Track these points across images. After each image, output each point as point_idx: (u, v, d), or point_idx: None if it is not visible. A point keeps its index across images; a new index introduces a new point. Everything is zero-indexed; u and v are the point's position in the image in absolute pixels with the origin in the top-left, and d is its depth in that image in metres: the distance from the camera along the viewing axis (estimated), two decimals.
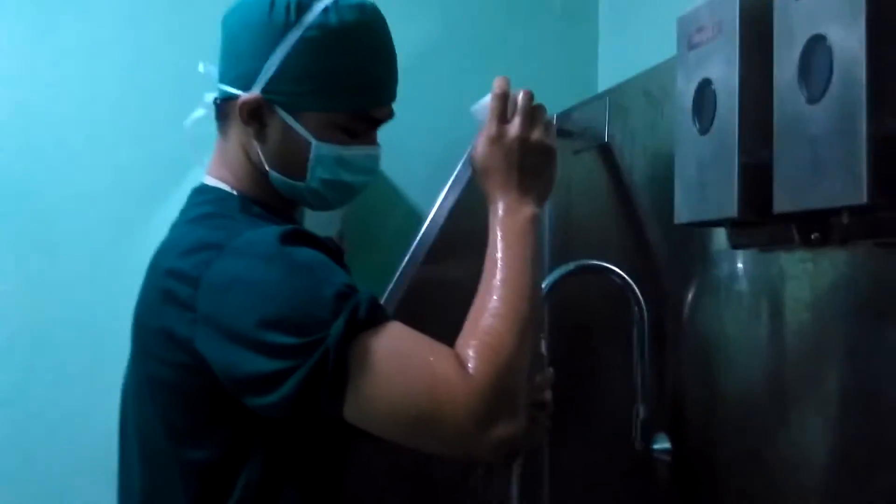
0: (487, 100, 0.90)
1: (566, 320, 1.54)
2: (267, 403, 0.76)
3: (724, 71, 0.91)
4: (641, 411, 1.21)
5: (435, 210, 1.55)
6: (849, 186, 0.74)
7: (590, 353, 1.47)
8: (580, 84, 1.72)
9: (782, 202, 0.83)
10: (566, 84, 1.71)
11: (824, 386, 0.94)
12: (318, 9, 0.86)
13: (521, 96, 0.89)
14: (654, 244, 1.28)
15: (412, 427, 0.76)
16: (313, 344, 0.74)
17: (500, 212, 0.86)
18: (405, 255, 1.53)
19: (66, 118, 1.50)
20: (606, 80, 1.69)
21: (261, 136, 0.89)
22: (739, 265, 1.07)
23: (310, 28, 0.86)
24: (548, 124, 0.90)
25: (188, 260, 0.82)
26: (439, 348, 0.77)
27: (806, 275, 0.96)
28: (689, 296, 1.18)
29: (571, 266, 1.24)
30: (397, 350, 0.77)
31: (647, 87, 1.29)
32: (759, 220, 0.91)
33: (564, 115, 1.57)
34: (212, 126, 0.96)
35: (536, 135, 0.88)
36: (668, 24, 1.03)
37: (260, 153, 0.90)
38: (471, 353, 0.76)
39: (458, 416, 0.74)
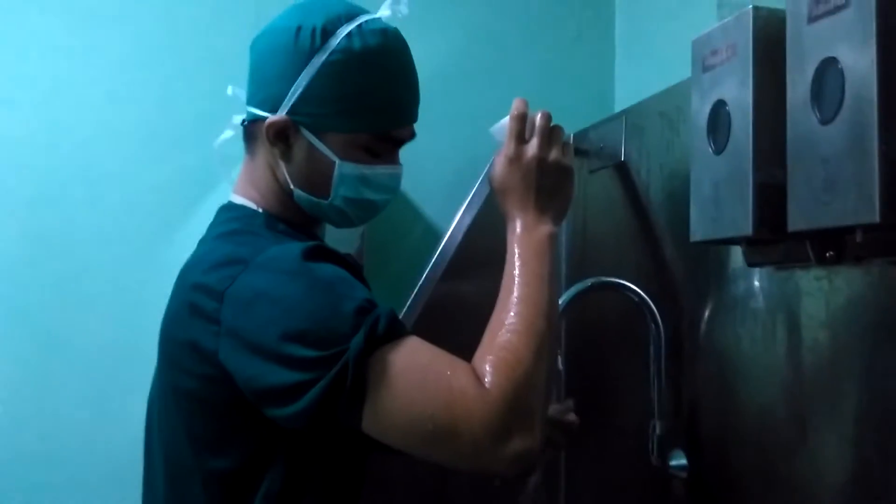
0: (506, 121, 0.93)
1: (583, 337, 1.55)
2: (287, 414, 0.78)
3: (738, 92, 0.93)
4: (658, 427, 1.22)
5: (453, 227, 1.57)
6: (861, 205, 0.75)
7: (606, 369, 1.47)
8: (598, 104, 1.74)
9: (796, 221, 0.84)
10: (584, 104, 1.73)
11: (840, 403, 0.94)
12: (342, 34, 0.89)
13: (538, 117, 0.92)
14: (671, 262, 1.29)
15: (429, 440, 0.77)
16: (333, 357, 0.75)
17: (518, 230, 0.89)
18: (423, 272, 1.56)
19: (93, 136, 1.54)
20: (623, 100, 1.71)
21: (286, 155, 0.92)
22: (755, 283, 1.08)
23: (334, 52, 0.89)
24: (565, 145, 0.93)
25: (214, 275, 0.84)
26: (457, 363, 0.79)
27: (821, 292, 0.97)
28: (706, 313, 1.19)
29: (588, 283, 1.26)
30: (415, 364, 0.78)
31: (663, 108, 1.31)
32: (774, 239, 0.93)
33: (581, 135, 1.59)
34: (239, 146, 0.99)
35: (554, 155, 0.91)
36: (683, 45, 1.05)
37: (285, 172, 0.93)
38: (488, 367, 0.77)
39: (475, 431, 0.75)
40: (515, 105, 0.93)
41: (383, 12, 0.93)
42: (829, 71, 0.80)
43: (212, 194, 1.57)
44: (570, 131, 1.64)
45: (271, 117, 0.90)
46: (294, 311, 0.79)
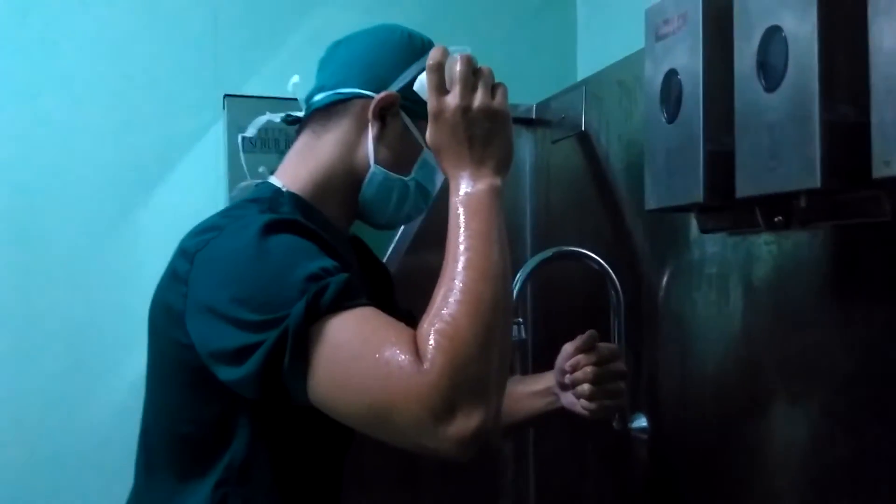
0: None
1: (547, 304, 1.57)
2: (235, 378, 0.78)
3: (688, 61, 0.94)
4: None
5: None
6: (804, 171, 0.78)
7: (570, 335, 1.50)
8: (561, 74, 1.74)
9: (744, 187, 0.86)
10: (547, 74, 1.73)
11: (790, 362, 0.98)
12: None
13: (457, 63, 0.84)
14: (630, 229, 1.31)
15: (369, 417, 0.74)
16: (275, 321, 0.75)
17: (457, 189, 0.83)
18: (390, 245, 1.57)
19: (54, 116, 1.52)
20: (586, 70, 1.71)
21: (380, 132, 0.96)
22: (709, 249, 1.11)
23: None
24: (495, 87, 0.86)
25: (194, 239, 0.87)
26: (402, 336, 0.74)
27: (771, 256, 1.00)
28: (664, 279, 1.22)
29: (549, 252, 1.28)
30: (357, 335, 0.75)
31: (622, 77, 1.32)
32: (724, 205, 0.95)
33: (543, 105, 1.60)
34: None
35: (480, 101, 0.84)
36: (643, 14, 1.05)
37: (370, 148, 0.96)
38: (429, 341, 0.72)
39: (413, 409, 0.71)
40: (430, 55, 0.85)
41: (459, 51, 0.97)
42: (773, 39, 0.82)
43: (171, 174, 1.57)
44: (533, 101, 1.65)
45: (381, 94, 0.95)
46: (245, 276, 0.80)
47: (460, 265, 0.77)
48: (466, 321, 0.73)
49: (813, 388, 0.94)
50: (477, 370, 0.72)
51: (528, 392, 1.15)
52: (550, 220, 1.60)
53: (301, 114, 1.02)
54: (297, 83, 1.01)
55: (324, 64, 1.02)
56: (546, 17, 1.78)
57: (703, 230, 1.06)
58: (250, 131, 1.05)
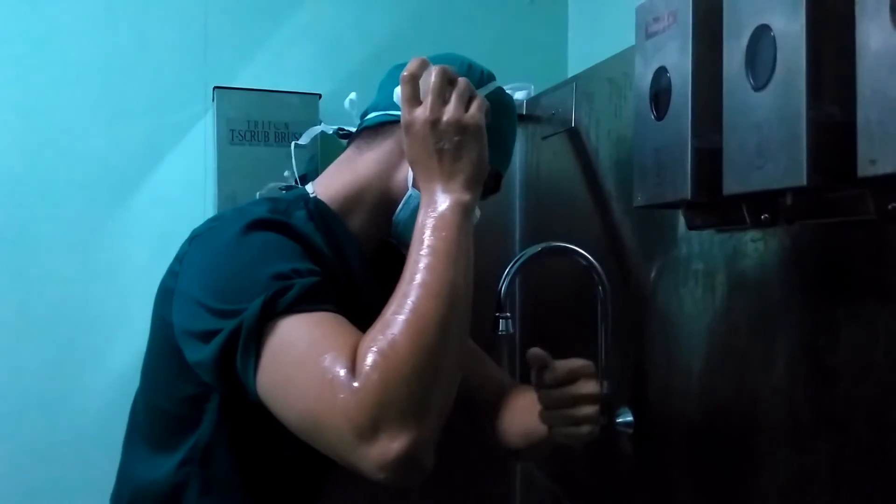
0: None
1: (536, 299, 1.58)
2: (196, 360, 0.80)
3: (678, 59, 0.95)
4: (605, 386, 1.26)
5: None
6: (790, 169, 0.78)
7: (558, 330, 1.51)
8: (551, 71, 1.75)
9: (731, 184, 0.87)
10: (538, 71, 1.75)
11: (775, 359, 0.99)
12: (496, 83, 1.02)
13: (432, 75, 0.82)
14: (619, 225, 1.32)
15: (301, 423, 0.73)
16: (234, 312, 0.75)
17: (424, 203, 0.82)
18: None
19: (40, 109, 1.51)
20: (576, 66, 1.72)
21: None
22: (697, 246, 1.12)
23: (492, 93, 0.98)
24: (471, 99, 0.84)
25: (202, 226, 0.90)
26: (346, 346, 0.72)
27: (757, 253, 1.01)
28: (651, 275, 1.23)
29: (538, 248, 1.28)
30: (306, 339, 0.73)
31: (611, 74, 1.32)
32: (711, 202, 0.95)
33: (534, 101, 1.61)
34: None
35: (451, 114, 0.82)
36: (633, 11, 1.06)
37: (411, 172, 0.94)
38: (366, 357, 0.70)
39: (337, 423, 0.69)
40: (407, 66, 0.83)
41: (513, 90, 1.03)
42: (762, 38, 0.82)
43: (160, 166, 1.57)
44: (523, 98, 1.65)
45: None
46: (220, 265, 0.82)
47: (414, 282, 0.74)
48: (406, 341, 0.70)
49: (797, 385, 0.95)
50: (408, 392, 0.69)
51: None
52: (539, 216, 1.61)
53: (353, 129, 1.03)
54: (353, 100, 1.03)
55: (382, 84, 1.03)
56: (537, 14, 1.79)
57: (691, 227, 1.07)
58: (304, 139, 1.14)
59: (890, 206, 0.79)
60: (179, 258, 0.88)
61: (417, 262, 0.76)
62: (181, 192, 1.54)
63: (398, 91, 0.85)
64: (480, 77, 0.99)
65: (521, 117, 1.64)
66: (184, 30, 1.58)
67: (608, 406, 1.25)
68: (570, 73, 1.72)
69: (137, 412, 0.96)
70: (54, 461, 1.49)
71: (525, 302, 1.58)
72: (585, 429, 0.99)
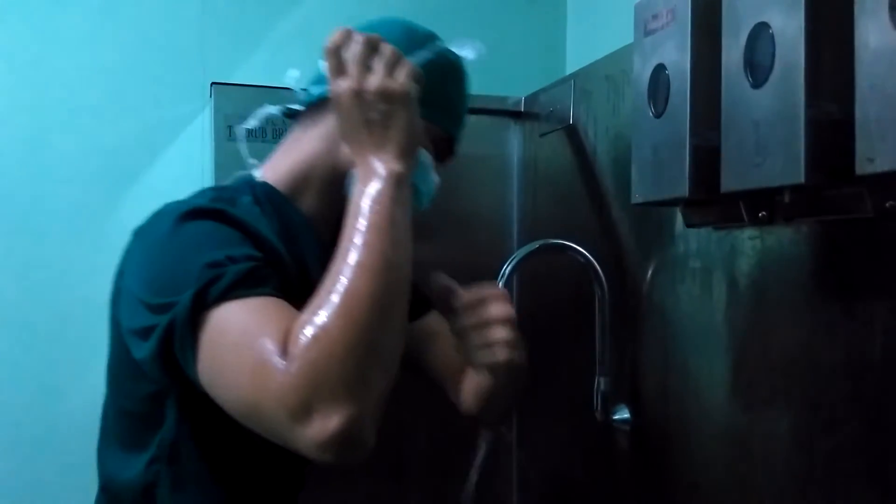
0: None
1: (533, 296, 1.58)
2: (140, 359, 0.79)
3: (676, 57, 0.95)
4: (602, 384, 1.27)
5: None
6: (788, 167, 0.79)
7: (555, 327, 1.51)
8: (549, 68, 1.75)
9: (729, 182, 0.87)
10: (536, 68, 1.74)
11: (771, 356, 0.99)
12: (440, 45, 0.95)
13: (356, 44, 0.80)
14: (617, 223, 1.32)
15: (241, 409, 0.73)
16: (168, 306, 0.74)
17: (358, 177, 0.79)
18: None
19: (38, 101, 1.51)
20: (574, 63, 1.72)
21: None
22: (694, 243, 1.12)
23: (437, 54, 0.93)
24: (397, 65, 0.81)
25: (146, 220, 0.88)
26: (278, 328, 0.70)
27: (755, 251, 1.01)
28: (649, 272, 1.23)
29: (536, 245, 1.28)
30: (240, 325, 0.72)
31: (609, 72, 1.33)
32: (709, 200, 0.96)
33: (532, 98, 1.61)
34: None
35: (375, 82, 0.79)
36: (632, 9, 1.06)
37: None
38: (298, 338, 0.69)
39: (272, 406, 0.68)
40: (330, 38, 0.80)
41: (461, 49, 0.97)
42: (760, 36, 0.82)
43: (157, 162, 1.56)
44: (522, 94, 1.65)
45: None
46: (154, 259, 0.81)
47: (346, 259, 0.72)
48: (337, 320, 0.69)
49: (794, 382, 0.95)
50: (341, 370, 0.68)
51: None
52: (537, 213, 1.61)
53: (300, 107, 0.99)
54: (296, 76, 0.99)
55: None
56: (535, 11, 1.79)
57: (688, 224, 1.07)
58: (252, 122, 1.01)
59: (888, 204, 0.79)
60: (124, 254, 0.87)
61: (351, 238, 0.73)
62: (178, 187, 1.51)
63: (323, 64, 0.82)
64: (422, 40, 0.93)
65: (519, 114, 1.64)
66: (181, 25, 1.58)
67: (606, 402, 1.26)
68: (569, 71, 1.71)
69: (107, 414, 0.95)
70: (54, 458, 1.49)
71: (522, 299, 1.58)
72: (501, 353, 0.92)
